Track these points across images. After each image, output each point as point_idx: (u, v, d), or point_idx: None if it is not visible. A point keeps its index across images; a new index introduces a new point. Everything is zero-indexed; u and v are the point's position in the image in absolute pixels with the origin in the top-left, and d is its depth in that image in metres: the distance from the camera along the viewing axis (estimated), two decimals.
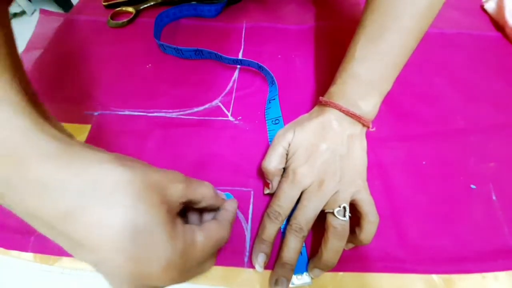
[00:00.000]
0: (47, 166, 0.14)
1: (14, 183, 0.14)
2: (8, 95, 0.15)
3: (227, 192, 0.28)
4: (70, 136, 0.17)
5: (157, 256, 0.16)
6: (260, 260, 0.25)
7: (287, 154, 0.29)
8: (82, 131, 0.33)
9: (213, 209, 0.24)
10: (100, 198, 0.15)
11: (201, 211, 0.24)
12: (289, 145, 0.28)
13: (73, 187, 0.14)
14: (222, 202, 0.24)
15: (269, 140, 0.32)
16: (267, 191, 0.29)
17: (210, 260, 0.21)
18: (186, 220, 0.24)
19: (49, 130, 0.15)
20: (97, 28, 0.43)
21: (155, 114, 0.34)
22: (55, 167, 0.14)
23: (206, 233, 0.20)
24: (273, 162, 0.27)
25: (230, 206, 0.24)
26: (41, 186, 0.14)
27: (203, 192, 0.21)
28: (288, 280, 0.24)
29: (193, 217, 0.24)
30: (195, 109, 0.35)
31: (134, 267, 0.15)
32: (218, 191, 0.25)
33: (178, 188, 0.19)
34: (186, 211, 0.24)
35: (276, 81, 0.35)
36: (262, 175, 0.30)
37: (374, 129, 0.28)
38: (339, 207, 0.24)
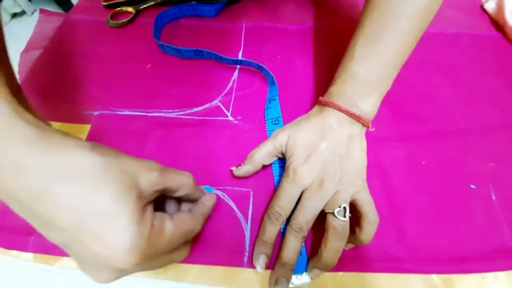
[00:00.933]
0: (23, 149, 0.15)
1: None
2: None
3: (208, 186, 0.28)
4: (48, 125, 0.18)
5: (121, 239, 0.16)
6: (261, 261, 0.25)
7: (283, 154, 0.29)
8: (82, 131, 0.33)
9: (192, 201, 0.25)
10: (70, 181, 0.16)
11: (179, 201, 0.24)
12: (282, 145, 0.28)
13: (46, 169, 0.15)
14: (200, 194, 0.25)
15: None
16: (233, 168, 0.29)
17: (182, 250, 0.22)
18: (163, 208, 0.24)
19: (28, 117, 0.16)
20: (97, 28, 0.43)
21: (155, 114, 0.34)
22: (31, 150, 0.15)
23: (176, 223, 0.20)
24: (258, 153, 0.29)
25: (207, 200, 0.25)
26: (16, 167, 0.15)
27: (180, 181, 0.22)
28: (288, 280, 0.24)
29: (170, 205, 0.25)
30: (195, 109, 0.35)
31: (98, 248, 0.16)
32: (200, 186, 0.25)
33: (152, 176, 0.19)
34: (165, 199, 0.24)
35: (276, 81, 0.35)
36: (262, 175, 0.30)
37: (373, 129, 0.28)
38: (339, 207, 0.24)
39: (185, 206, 0.25)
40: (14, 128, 0.15)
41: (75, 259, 0.18)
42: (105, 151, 0.18)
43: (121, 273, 0.18)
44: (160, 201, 0.23)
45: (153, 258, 0.18)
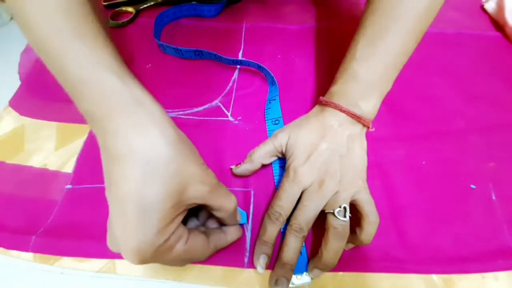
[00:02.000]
0: (121, 120, 0.18)
1: (98, 120, 0.18)
2: (112, 65, 0.19)
3: (244, 212, 0.28)
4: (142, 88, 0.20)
5: (137, 238, 0.17)
6: (261, 261, 0.25)
7: (283, 154, 0.29)
8: (82, 131, 0.33)
9: (221, 222, 0.24)
10: (135, 163, 0.17)
11: (211, 214, 0.24)
12: (282, 145, 0.28)
13: (126, 146, 0.17)
14: (231, 222, 0.24)
15: None
16: (232, 166, 0.30)
17: (179, 264, 0.22)
18: (194, 212, 0.24)
19: (132, 92, 0.19)
20: None
21: None
22: (126, 125, 0.18)
23: (187, 248, 0.20)
24: (258, 153, 0.29)
25: (230, 234, 0.25)
26: (112, 131, 0.18)
27: (223, 204, 0.22)
28: (288, 280, 0.24)
29: (202, 214, 0.25)
30: (195, 109, 0.35)
31: (120, 232, 0.18)
32: (239, 210, 0.25)
33: (201, 190, 0.20)
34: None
35: (276, 81, 0.35)
36: (262, 175, 0.30)
37: (374, 129, 0.28)
38: (340, 207, 0.24)
39: (211, 222, 0.25)
40: (119, 99, 0.18)
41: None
42: (179, 148, 0.19)
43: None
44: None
45: (153, 261, 0.19)
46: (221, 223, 0.25)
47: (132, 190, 0.17)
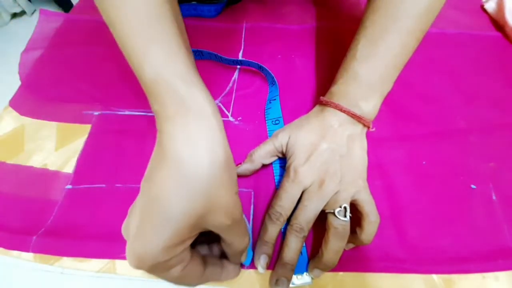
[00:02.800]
0: (180, 128, 0.18)
1: (162, 121, 0.19)
2: (182, 72, 0.20)
3: (251, 252, 0.26)
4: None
5: (143, 245, 0.18)
6: (262, 261, 0.25)
7: (283, 154, 0.29)
8: (82, 131, 0.33)
9: (223, 253, 0.24)
10: (175, 170, 0.18)
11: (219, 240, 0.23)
12: (282, 145, 0.28)
13: (179, 152, 0.18)
14: (235, 260, 0.24)
15: None
16: None
17: (171, 282, 0.21)
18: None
19: (197, 101, 0.19)
20: (97, 28, 0.43)
21: None
22: (183, 133, 0.18)
23: (185, 273, 0.20)
24: (258, 153, 0.29)
25: (228, 273, 0.24)
26: (169, 133, 0.18)
27: (235, 243, 0.21)
28: (289, 280, 0.24)
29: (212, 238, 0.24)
30: None
31: (134, 228, 0.18)
32: (248, 250, 0.24)
33: (222, 221, 0.19)
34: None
35: (276, 81, 0.35)
36: (262, 175, 0.30)
37: (374, 129, 0.28)
38: (340, 207, 0.24)
39: (215, 248, 0.24)
40: (181, 107, 0.19)
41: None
42: (221, 171, 0.18)
43: None
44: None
45: (144, 270, 0.19)
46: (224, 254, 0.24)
47: (163, 195, 0.17)
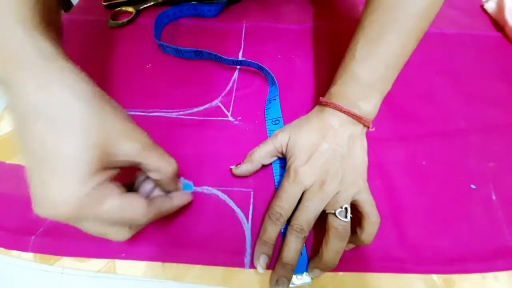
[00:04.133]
0: (27, 79, 0.17)
1: (3, 79, 0.17)
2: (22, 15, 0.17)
3: (190, 182, 0.26)
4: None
5: (58, 189, 0.17)
6: (262, 261, 0.25)
7: (283, 154, 0.29)
8: None
9: (167, 191, 0.23)
10: (39, 120, 0.17)
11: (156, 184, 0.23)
12: (282, 146, 0.28)
13: (33, 102, 0.17)
14: (172, 188, 0.23)
15: None
16: (232, 167, 0.30)
17: (120, 232, 0.20)
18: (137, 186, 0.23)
19: (41, 47, 0.18)
20: (97, 28, 0.43)
21: (155, 114, 0.34)
22: (30, 82, 0.17)
23: (122, 203, 0.19)
24: (258, 153, 0.29)
25: (176, 199, 0.23)
26: (16, 89, 0.17)
27: (158, 165, 0.21)
28: (289, 280, 0.24)
29: (146, 186, 0.23)
30: (195, 109, 0.35)
31: (41, 187, 0.17)
32: (183, 181, 0.24)
33: (132, 147, 0.19)
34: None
35: (276, 81, 0.35)
36: (262, 175, 0.30)
37: (374, 129, 0.28)
38: (341, 207, 0.24)
39: (156, 192, 0.24)
40: (23, 55, 0.17)
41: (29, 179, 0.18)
42: (94, 102, 0.18)
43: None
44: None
45: (82, 220, 0.18)
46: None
47: (44, 149, 0.17)
